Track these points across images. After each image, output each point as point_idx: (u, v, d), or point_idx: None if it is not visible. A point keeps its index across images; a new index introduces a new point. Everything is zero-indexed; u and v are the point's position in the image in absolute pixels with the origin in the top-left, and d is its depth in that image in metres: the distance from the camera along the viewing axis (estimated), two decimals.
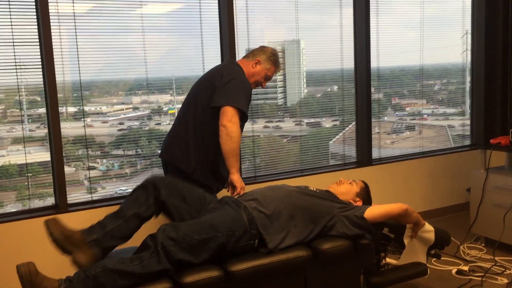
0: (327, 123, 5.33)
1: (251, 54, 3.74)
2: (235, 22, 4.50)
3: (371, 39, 5.19)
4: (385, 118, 5.72)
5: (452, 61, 6.02)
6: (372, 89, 5.65)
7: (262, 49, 3.74)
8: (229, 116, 3.32)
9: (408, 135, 5.83)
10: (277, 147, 5.11)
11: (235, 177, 3.37)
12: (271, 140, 5.10)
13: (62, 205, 4.01)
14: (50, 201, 4.10)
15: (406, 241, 3.35)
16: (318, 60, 5.19)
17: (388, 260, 3.52)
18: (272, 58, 3.70)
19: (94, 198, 4.24)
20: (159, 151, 3.84)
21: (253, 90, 3.71)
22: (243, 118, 3.47)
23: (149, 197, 2.96)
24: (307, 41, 5.12)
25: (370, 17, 5.17)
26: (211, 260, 2.80)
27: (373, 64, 5.28)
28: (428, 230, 3.40)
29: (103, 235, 2.81)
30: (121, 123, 4.54)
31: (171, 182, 3.06)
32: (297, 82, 5.25)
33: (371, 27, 5.19)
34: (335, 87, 5.34)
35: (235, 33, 4.51)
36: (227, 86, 3.42)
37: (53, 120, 3.94)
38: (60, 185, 4.01)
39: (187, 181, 3.31)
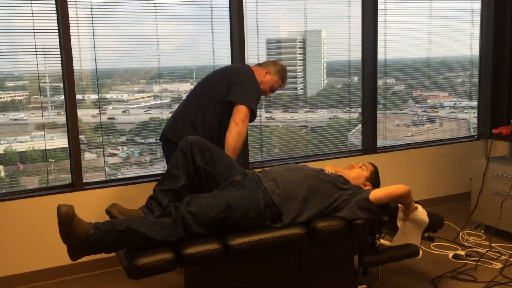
0: (346, 114, 5.46)
1: (263, 64, 4.04)
2: (244, 12, 4.64)
3: (378, 31, 5.29)
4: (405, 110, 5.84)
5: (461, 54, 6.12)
6: (394, 81, 5.77)
7: (274, 62, 4.05)
8: (242, 117, 3.63)
9: (429, 128, 5.93)
10: (295, 138, 5.25)
11: None
12: (289, 130, 5.25)
13: (78, 184, 4.21)
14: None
15: (399, 224, 3.49)
16: (339, 50, 5.31)
17: (382, 241, 3.66)
18: (281, 72, 4.01)
19: (109, 178, 4.45)
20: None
21: None
22: (251, 118, 3.75)
23: (188, 163, 3.20)
24: (328, 31, 5.25)
25: (378, 9, 5.26)
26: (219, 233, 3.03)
27: (380, 55, 5.37)
28: (421, 213, 3.53)
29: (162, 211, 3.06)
30: (142, 111, 4.73)
31: (205, 146, 3.25)
32: (317, 72, 5.39)
33: (378, 18, 5.29)
34: (356, 78, 5.46)
35: (245, 23, 4.65)
36: (244, 86, 3.73)
37: (70, 104, 4.13)
38: (76, 164, 4.19)
39: None
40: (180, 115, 3.84)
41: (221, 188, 3.22)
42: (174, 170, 3.20)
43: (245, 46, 4.67)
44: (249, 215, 3.03)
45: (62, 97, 4.24)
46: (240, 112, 3.64)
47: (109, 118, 4.49)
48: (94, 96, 4.38)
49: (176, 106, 4.56)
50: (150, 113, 4.72)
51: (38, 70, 4.07)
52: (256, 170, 3.42)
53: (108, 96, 4.46)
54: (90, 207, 4.09)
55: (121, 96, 4.66)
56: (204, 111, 3.75)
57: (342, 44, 5.28)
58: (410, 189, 3.35)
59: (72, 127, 4.15)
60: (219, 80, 3.82)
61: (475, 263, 4.17)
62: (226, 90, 3.73)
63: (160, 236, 2.83)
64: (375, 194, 3.27)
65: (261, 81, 3.92)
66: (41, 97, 4.18)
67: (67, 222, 2.68)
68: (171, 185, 3.17)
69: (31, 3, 3.97)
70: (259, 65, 4.04)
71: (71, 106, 4.13)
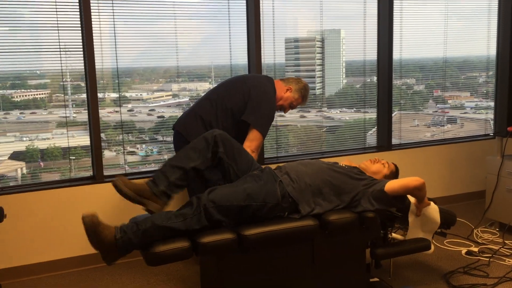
0: (363, 113, 5.60)
1: (287, 79, 4.20)
2: (261, 11, 4.81)
3: (394, 30, 5.43)
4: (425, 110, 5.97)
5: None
6: (414, 80, 5.91)
7: (298, 80, 4.20)
8: (257, 145, 3.87)
9: (449, 129, 6.05)
10: (312, 137, 5.41)
11: None
12: (307, 130, 5.41)
13: (98, 176, 4.44)
14: None
15: (410, 219, 3.62)
16: (358, 50, 5.45)
17: (394, 235, 3.78)
18: (302, 91, 4.17)
19: (128, 171, 4.65)
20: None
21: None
22: None
23: (208, 151, 3.33)
24: (346, 30, 5.41)
25: (394, 8, 5.40)
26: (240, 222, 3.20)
27: (396, 55, 5.51)
28: (434, 210, 3.66)
29: (167, 186, 3.20)
30: (161, 110, 4.94)
31: (228, 141, 3.41)
32: (336, 72, 5.55)
33: (394, 17, 5.42)
34: (375, 78, 5.60)
35: (261, 22, 4.83)
36: (262, 108, 3.91)
37: (92, 101, 4.34)
38: (97, 158, 4.42)
39: None
40: (193, 111, 4.02)
41: (240, 180, 3.38)
42: (191, 151, 3.32)
43: (262, 45, 4.84)
44: (267, 205, 3.20)
45: (83, 95, 4.45)
46: (257, 140, 3.86)
47: (129, 115, 4.69)
48: (114, 95, 4.59)
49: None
50: (168, 111, 4.92)
51: (61, 68, 4.28)
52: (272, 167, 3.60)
53: (127, 94, 4.66)
54: (110, 198, 4.31)
55: (141, 94, 4.87)
56: (217, 114, 3.94)
57: (361, 43, 5.42)
58: (425, 183, 3.46)
59: (94, 122, 4.37)
60: (238, 89, 3.99)
61: (488, 259, 4.28)
62: (243, 101, 3.91)
63: (184, 226, 3.01)
64: (390, 185, 3.39)
65: (281, 97, 4.09)
66: (66, 95, 4.40)
67: (94, 230, 2.87)
68: (183, 163, 3.26)
69: (56, 1, 4.17)
70: (282, 80, 4.19)
71: (93, 104, 4.35)
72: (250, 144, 3.84)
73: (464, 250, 4.50)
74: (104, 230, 2.90)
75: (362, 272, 3.56)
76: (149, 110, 4.87)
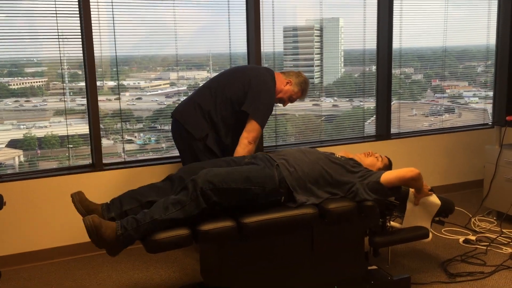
0: (362, 102, 5.65)
1: (287, 72, 4.22)
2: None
3: (394, 20, 5.47)
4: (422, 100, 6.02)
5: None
6: (412, 70, 5.96)
7: (298, 74, 4.22)
8: (254, 136, 3.89)
9: (446, 118, 6.11)
10: (310, 126, 5.46)
11: None
12: (305, 119, 5.46)
13: (97, 164, 4.49)
14: None
15: (408, 207, 3.70)
16: (356, 39, 5.49)
17: (392, 223, 3.83)
18: (302, 84, 4.20)
19: (127, 159, 4.72)
20: None
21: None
22: None
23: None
24: (345, 19, 5.44)
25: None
26: (236, 207, 3.23)
27: (396, 44, 5.56)
28: (433, 197, 3.72)
29: (119, 214, 3.23)
30: (158, 98, 4.97)
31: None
32: (334, 61, 5.59)
33: (394, 6, 5.46)
34: (373, 67, 5.65)
35: (261, 11, 4.85)
36: (261, 98, 3.94)
37: (91, 89, 4.38)
38: (96, 146, 4.47)
39: (193, 143, 3.92)
40: (192, 100, 4.07)
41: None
42: (149, 188, 3.37)
43: (261, 34, 4.88)
44: (266, 189, 3.23)
45: (80, 84, 4.48)
46: (253, 130, 3.88)
47: (127, 104, 4.73)
48: (111, 83, 4.62)
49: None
50: (166, 100, 4.96)
51: (60, 55, 4.31)
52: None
53: (125, 83, 4.69)
54: (109, 186, 4.39)
55: (138, 83, 4.90)
56: (216, 103, 3.97)
57: (359, 32, 5.46)
58: (421, 173, 3.52)
59: (93, 111, 4.42)
60: (239, 78, 4.02)
61: (485, 247, 4.36)
62: (243, 91, 3.94)
63: (183, 214, 3.04)
64: (386, 176, 3.45)
65: (281, 90, 4.12)
66: (62, 83, 4.43)
67: (96, 232, 2.91)
68: (139, 197, 3.29)
69: None
70: (282, 72, 4.22)
71: (92, 92, 4.39)
72: (248, 135, 3.87)
73: (461, 239, 4.57)
74: (106, 230, 2.94)
75: (360, 260, 3.62)
76: (147, 99, 4.90)
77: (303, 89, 4.21)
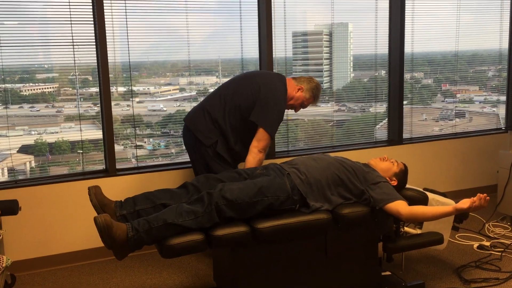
0: (372, 107, 5.69)
1: (299, 78, 4.22)
2: (272, 5, 4.87)
3: (405, 24, 5.50)
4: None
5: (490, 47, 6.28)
6: (422, 74, 6.00)
7: (310, 79, 4.21)
8: (264, 145, 3.93)
9: (457, 122, 6.14)
10: (321, 131, 5.49)
11: None
12: (315, 124, 5.49)
13: (111, 169, 4.54)
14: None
15: None
16: (366, 44, 5.53)
17: (406, 229, 3.86)
18: (314, 90, 4.19)
19: (140, 165, 4.76)
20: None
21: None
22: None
23: (188, 197, 3.38)
24: (355, 24, 5.48)
25: (406, 1, 5.46)
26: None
27: (407, 49, 5.59)
28: (447, 204, 3.73)
29: (131, 213, 3.28)
30: (168, 104, 5.02)
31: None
32: (344, 66, 5.63)
33: (406, 11, 5.49)
34: (383, 72, 5.69)
35: (272, 17, 4.89)
36: (270, 107, 3.95)
37: (105, 95, 4.43)
38: (109, 151, 4.53)
39: (203, 150, 3.97)
40: (202, 106, 4.10)
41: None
42: (164, 191, 3.42)
43: (273, 39, 4.92)
44: (279, 198, 3.27)
45: (91, 89, 4.54)
46: (262, 140, 3.91)
47: (137, 109, 4.76)
48: (121, 89, 4.67)
49: (201, 99, 4.85)
50: (176, 105, 5.01)
51: (75, 61, 4.36)
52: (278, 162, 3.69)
53: (135, 88, 4.74)
54: (122, 191, 4.41)
55: (148, 88, 4.95)
56: (225, 110, 3.99)
57: (369, 37, 5.49)
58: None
59: (107, 116, 4.47)
60: (248, 86, 4.03)
61: (500, 253, 4.38)
62: (252, 99, 3.96)
63: (195, 225, 3.09)
64: (412, 211, 3.39)
65: (292, 96, 4.12)
66: (75, 89, 4.48)
67: (107, 231, 2.94)
68: (153, 198, 3.35)
69: None
70: (294, 78, 4.22)
71: (105, 97, 4.44)
72: (258, 144, 3.91)
73: (476, 244, 4.59)
74: (117, 231, 2.98)
75: (374, 266, 3.66)
76: (157, 104, 4.95)
77: (315, 95, 4.22)
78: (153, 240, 3.07)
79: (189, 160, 4.28)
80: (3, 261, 3.27)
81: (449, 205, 3.64)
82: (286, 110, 4.18)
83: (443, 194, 3.93)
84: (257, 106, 3.94)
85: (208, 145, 3.97)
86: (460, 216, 3.85)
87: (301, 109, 4.31)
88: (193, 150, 4.09)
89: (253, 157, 3.90)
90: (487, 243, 4.60)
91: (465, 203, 3.31)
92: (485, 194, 3.31)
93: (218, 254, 3.58)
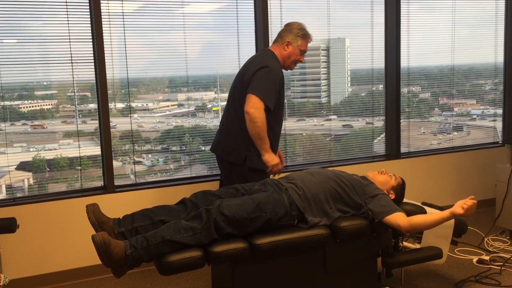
0: (370, 122, 5.69)
1: (279, 37, 4.07)
2: (269, 21, 4.89)
3: (401, 39, 5.53)
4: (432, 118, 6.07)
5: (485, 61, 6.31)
6: (419, 88, 6.01)
7: (288, 28, 4.07)
8: (251, 102, 3.73)
9: (455, 136, 6.15)
10: (319, 147, 5.49)
11: (266, 157, 3.85)
12: (313, 139, 5.49)
13: (109, 186, 4.54)
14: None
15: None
16: (363, 58, 5.54)
17: (405, 243, 3.85)
18: (300, 33, 4.03)
19: (138, 181, 4.75)
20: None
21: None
22: (268, 108, 3.81)
23: (186, 213, 3.37)
24: (351, 39, 5.50)
25: (401, 16, 5.50)
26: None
27: (403, 63, 5.61)
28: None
29: (129, 230, 3.26)
30: (166, 120, 5.02)
31: (207, 196, 3.44)
32: (341, 80, 5.64)
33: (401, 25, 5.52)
34: (380, 86, 5.70)
35: (269, 32, 4.90)
36: (254, 76, 3.81)
37: (103, 112, 4.44)
38: (108, 168, 4.52)
39: (239, 171, 3.86)
40: (221, 126, 4.07)
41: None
42: (163, 208, 3.39)
43: None
44: (278, 214, 3.26)
45: (89, 106, 4.54)
46: (248, 100, 3.74)
47: (136, 125, 4.76)
48: (120, 105, 4.68)
49: (200, 114, 4.86)
50: (174, 121, 5.02)
51: (73, 79, 4.38)
52: (276, 177, 3.67)
53: (133, 104, 4.75)
54: (120, 208, 4.38)
55: (146, 104, 4.96)
56: (238, 118, 3.89)
57: (366, 52, 5.51)
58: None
59: (105, 132, 4.47)
60: (244, 83, 3.90)
61: (499, 267, 4.36)
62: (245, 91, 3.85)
63: (193, 242, 3.08)
64: (404, 220, 3.38)
65: (288, 55, 4.01)
66: (74, 106, 4.49)
67: (104, 249, 2.92)
68: (151, 215, 3.32)
69: (67, 13, 4.28)
70: (276, 41, 4.07)
71: (104, 114, 4.45)
72: (244, 107, 3.76)
73: (475, 259, 4.57)
74: (115, 248, 2.96)
75: (373, 280, 3.64)
76: (155, 121, 4.96)
77: (304, 35, 4.04)
78: (151, 257, 3.05)
79: (186, 176, 4.25)
80: (1, 280, 3.25)
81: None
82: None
83: (441, 208, 3.91)
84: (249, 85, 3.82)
85: (240, 164, 3.90)
86: (458, 231, 3.83)
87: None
88: (230, 174, 4.00)
89: (246, 121, 3.76)
90: (487, 257, 4.58)
91: (459, 208, 3.34)
92: (472, 196, 3.38)
93: (217, 269, 3.56)
